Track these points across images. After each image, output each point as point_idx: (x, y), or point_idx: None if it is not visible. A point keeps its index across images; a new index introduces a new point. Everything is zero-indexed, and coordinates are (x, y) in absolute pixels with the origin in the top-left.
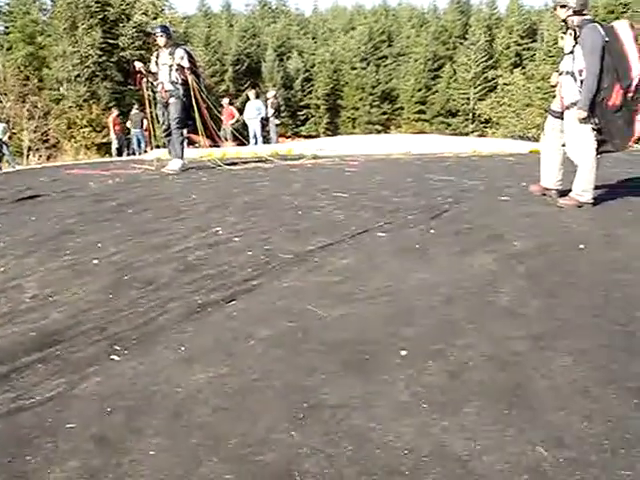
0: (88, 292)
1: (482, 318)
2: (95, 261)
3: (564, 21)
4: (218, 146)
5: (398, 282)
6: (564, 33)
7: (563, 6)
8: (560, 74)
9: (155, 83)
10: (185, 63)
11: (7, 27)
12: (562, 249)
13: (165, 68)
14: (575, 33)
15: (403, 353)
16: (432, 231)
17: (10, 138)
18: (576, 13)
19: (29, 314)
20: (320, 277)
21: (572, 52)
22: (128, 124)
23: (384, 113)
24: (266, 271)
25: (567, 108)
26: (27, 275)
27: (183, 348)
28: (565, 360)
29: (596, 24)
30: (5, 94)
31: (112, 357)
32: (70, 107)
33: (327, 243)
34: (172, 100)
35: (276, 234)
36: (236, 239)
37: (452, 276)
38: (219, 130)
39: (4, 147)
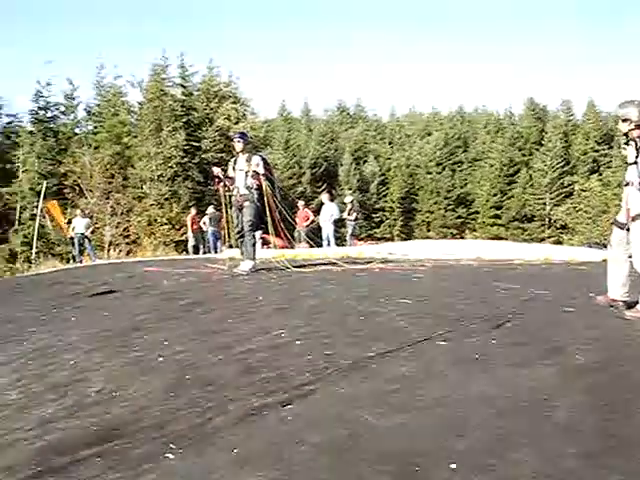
0: (151, 389)
1: (536, 433)
2: (160, 359)
3: (626, 134)
4: (292, 247)
5: (454, 393)
6: (626, 144)
7: (625, 120)
8: (625, 185)
9: (231, 187)
10: (260, 170)
11: (96, 127)
12: (626, 364)
13: (241, 173)
14: (637, 144)
15: (453, 466)
16: (493, 341)
17: (93, 232)
18: (638, 127)
19: (93, 408)
20: (377, 384)
21: (636, 163)
22: (202, 223)
23: (459, 217)
24: (324, 376)
25: (633, 220)
26: (95, 369)
27: (236, 450)
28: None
29: None
30: (91, 191)
31: (167, 455)
32: (152, 205)
33: (387, 350)
34: (246, 204)
35: (337, 339)
36: (298, 342)
37: (510, 389)
38: (293, 232)
39: (86, 241)
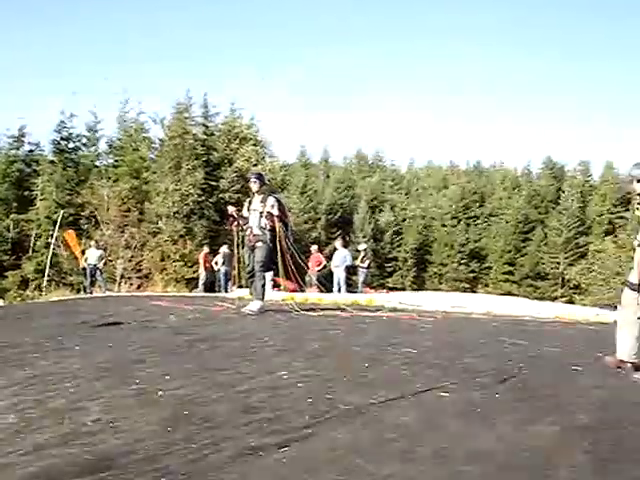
0: (148, 422)
1: None
2: (160, 392)
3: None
4: (303, 291)
5: (454, 445)
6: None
7: (639, 181)
8: (638, 245)
9: (245, 227)
10: (275, 211)
11: (116, 160)
12: (630, 426)
13: (255, 214)
14: None
15: None
16: (497, 396)
17: (105, 264)
18: None
19: (88, 437)
20: (376, 432)
21: None
22: (214, 262)
23: (472, 271)
24: (323, 420)
25: None
26: (94, 399)
27: None
28: None
29: None
30: (107, 223)
31: None
32: (166, 241)
33: (388, 398)
34: (259, 244)
35: (339, 384)
36: (299, 385)
37: (510, 445)
38: (304, 276)
39: (98, 272)
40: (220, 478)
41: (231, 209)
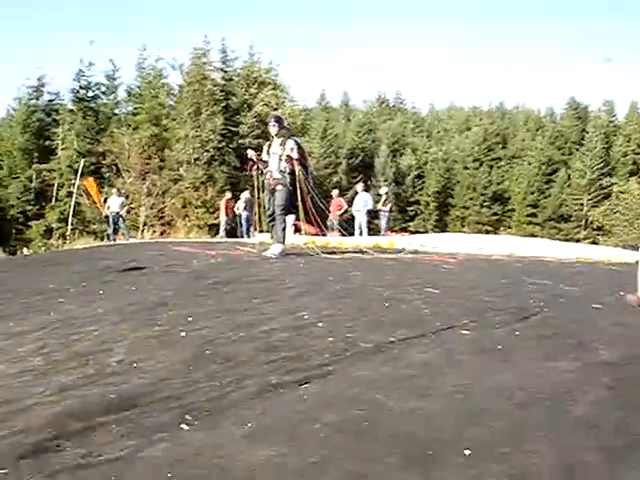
0: (171, 362)
1: (555, 426)
2: (182, 334)
3: None
4: (324, 235)
5: (474, 382)
6: None
7: None
8: None
9: (265, 170)
10: (294, 154)
11: (136, 108)
12: None
13: (275, 157)
14: None
15: (467, 453)
16: (517, 333)
17: (128, 212)
18: None
19: (112, 377)
20: (396, 369)
21: None
22: (236, 208)
23: (494, 214)
24: (343, 358)
25: None
26: (118, 341)
27: (250, 425)
28: (634, 475)
29: None
30: (128, 171)
31: (182, 426)
32: (187, 188)
33: (409, 336)
34: (279, 187)
35: (359, 323)
36: (320, 324)
37: (531, 381)
38: (325, 220)
39: (120, 220)
40: (242, 414)
41: (251, 153)
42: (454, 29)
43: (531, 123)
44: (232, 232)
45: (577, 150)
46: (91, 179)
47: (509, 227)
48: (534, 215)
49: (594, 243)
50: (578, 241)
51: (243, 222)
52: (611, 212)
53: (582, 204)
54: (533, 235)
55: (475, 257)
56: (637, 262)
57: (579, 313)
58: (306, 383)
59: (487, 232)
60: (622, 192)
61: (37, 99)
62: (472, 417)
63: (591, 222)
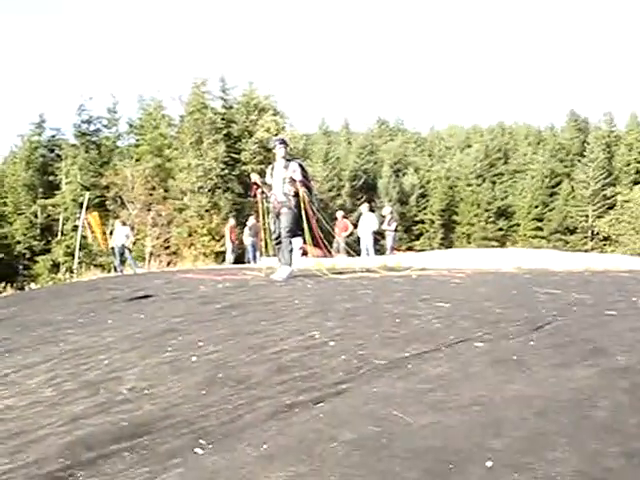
0: (182, 387)
1: (576, 432)
2: (194, 358)
3: None
4: (331, 257)
5: (491, 392)
6: None
7: None
8: None
9: (269, 194)
10: (297, 176)
11: (138, 140)
12: None
13: (279, 180)
14: None
15: (489, 464)
16: (532, 343)
17: (134, 243)
18: None
19: (124, 405)
20: (411, 384)
21: None
22: (245, 233)
23: (500, 229)
24: (357, 375)
25: None
26: (128, 368)
27: (266, 446)
28: None
29: None
30: (132, 202)
31: (196, 450)
32: (192, 216)
33: (422, 351)
34: (284, 210)
35: (371, 340)
36: (331, 343)
37: (548, 389)
38: (331, 242)
39: (127, 251)
40: (257, 435)
41: (254, 177)
42: (450, 49)
43: (532, 137)
44: (239, 258)
45: (579, 162)
46: (95, 213)
47: (515, 242)
48: (540, 229)
49: (602, 253)
50: (586, 252)
51: (249, 248)
52: (617, 221)
53: (587, 215)
54: (540, 248)
55: (483, 271)
56: None
57: (593, 320)
58: (320, 402)
59: (493, 247)
60: (627, 201)
61: (39, 135)
62: (491, 428)
63: (597, 233)
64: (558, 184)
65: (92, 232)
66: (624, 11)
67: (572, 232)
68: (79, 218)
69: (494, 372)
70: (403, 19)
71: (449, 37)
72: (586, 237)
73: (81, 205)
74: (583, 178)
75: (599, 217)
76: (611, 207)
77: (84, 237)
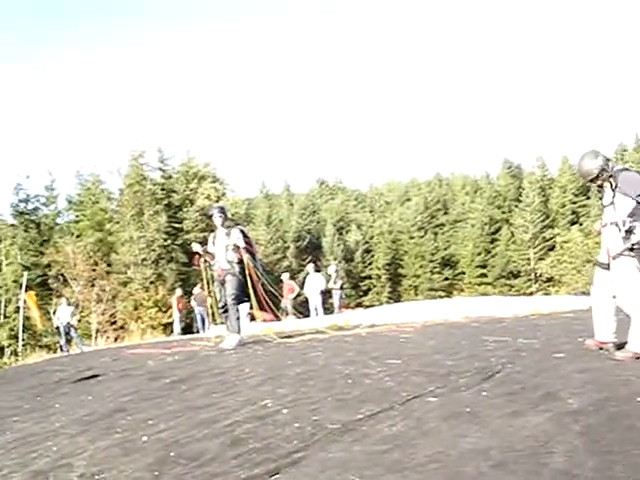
0: (134, 469)
1: None
2: (144, 438)
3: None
4: (279, 320)
5: (448, 448)
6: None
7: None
8: (603, 226)
9: (212, 262)
10: (240, 243)
11: (77, 216)
12: (619, 404)
13: (221, 247)
14: (611, 185)
15: None
16: (484, 393)
17: (79, 321)
18: (605, 170)
19: None
20: (367, 446)
21: (612, 203)
22: (192, 303)
23: (446, 279)
24: (312, 443)
25: (613, 258)
26: (78, 454)
27: None
28: None
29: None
30: (75, 279)
31: None
32: (137, 289)
33: (376, 411)
34: (228, 277)
35: (325, 404)
36: (284, 411)
37: (504, 439)
38: (278, 305)
39: (72, 330)
40: None
41: (196, 246)
42: (384, 107)
43: (468, 187)
44: (187, 328)
45: (516, 207)
46: (32, 293)
47: (462, 290)
48: (484, 275)
49: (546, 295)
50: (531, 294)
51: (197, 317)
52: (558, 262)
53: (529, 258)
54: (486, 294)
55: (431, 323)
56: (590, 307)
57: (542, 364)
58: (276, 474)
59: (440, 297)
60: (565, 242)
61: None
62: None
63: (540, 275)
64: (498, 230)
65: (29, 310)
66: (546, 62)
67: (516, 276)
68: (20, 299)
69: (449, 427)
70: (335, 82)
71: (381, 96)
72: (530, 280)
73: (21, 286)
74: (522, 222)
75: (540, 259)
76: (551, 249)
77: (27, 318)
